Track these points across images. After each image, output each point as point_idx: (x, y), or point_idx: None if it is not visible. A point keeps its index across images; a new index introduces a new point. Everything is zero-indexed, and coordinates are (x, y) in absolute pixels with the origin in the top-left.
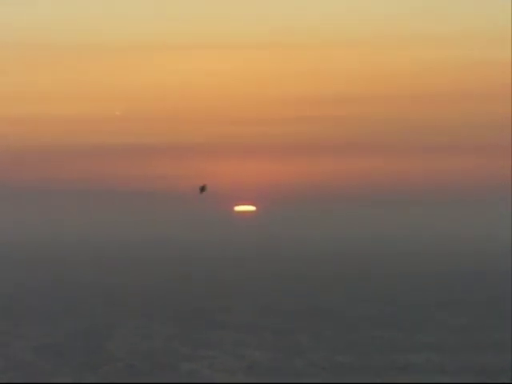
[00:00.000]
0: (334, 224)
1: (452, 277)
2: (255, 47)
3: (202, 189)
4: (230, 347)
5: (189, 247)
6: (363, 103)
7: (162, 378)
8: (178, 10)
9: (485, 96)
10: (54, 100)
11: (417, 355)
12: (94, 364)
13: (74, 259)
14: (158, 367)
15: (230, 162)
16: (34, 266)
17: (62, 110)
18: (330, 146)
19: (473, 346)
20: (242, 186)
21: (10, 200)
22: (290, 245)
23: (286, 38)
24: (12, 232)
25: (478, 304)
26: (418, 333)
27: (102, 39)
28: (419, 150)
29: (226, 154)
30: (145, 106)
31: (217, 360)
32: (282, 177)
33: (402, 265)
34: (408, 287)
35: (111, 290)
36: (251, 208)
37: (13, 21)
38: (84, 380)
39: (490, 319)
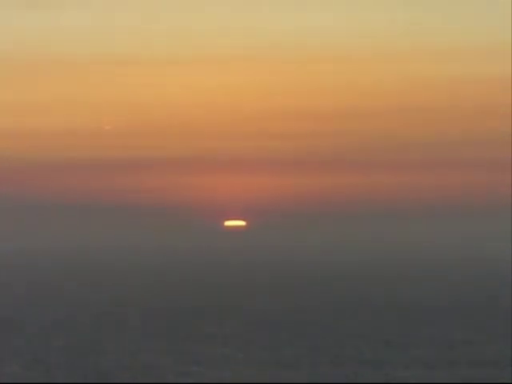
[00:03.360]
0: (326, 239)
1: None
2: (247, 60)
3: None
4: (217, 362)
5: (177, 262)
6: (356, 118)
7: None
8: (168, 23)
9: (481, 111)
10: (42, 114)
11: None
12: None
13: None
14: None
15: (220, 176)
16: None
17: (51, 124)
18: (321, 161)
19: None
20: (232, 201)
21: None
22: (279, 259)
23: (275, 51)
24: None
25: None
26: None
27: (91, 52)
28: (415, 165)
29: (216, 169)
30: (134, 121)
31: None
32: (272, 192)
33: (392, 274)
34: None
35: (97, 301)
36: (241, 223)
37: (5, 34)
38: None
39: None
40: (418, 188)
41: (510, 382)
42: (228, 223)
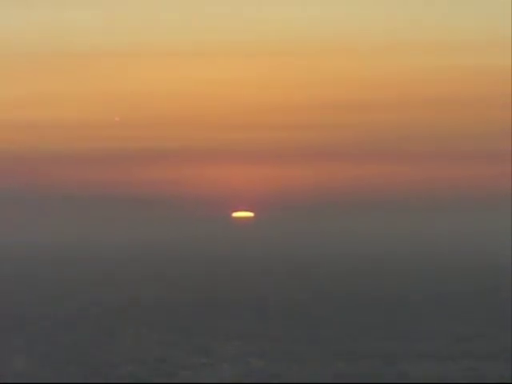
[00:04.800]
0: (335, 230)
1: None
2: (257, 54)
3: None
4: (230, 356)
5: (186, 253)
6: (363, 110)
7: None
8: (176, 17)
9: (487, 102)
10: (51, 106)
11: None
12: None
13: (74, 260)
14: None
15: (228, 168)
16: (36, 267)
17: (61, 116)
18: (329, 153)
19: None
20: (240, 193)
21: (10, 205)
22: (288, 251)
23: (278, 44)
24: (13, 235)
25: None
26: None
27: (101, 45)
28: (424, 157)
29: (224, 160)
30: (145, 112)
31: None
32: (280, 183)
33: (404, 266)
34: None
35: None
36: (249, 214)
37: (8, 29)
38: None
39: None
40: (428, 180)
41: (510, 382)
42: (236, 214)
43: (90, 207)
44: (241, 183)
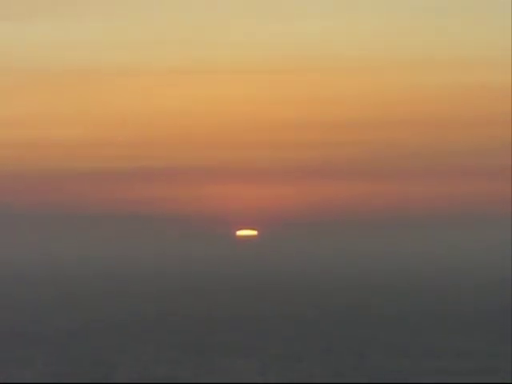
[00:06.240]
0: (338, 248)
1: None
2: (262, 72)
3: None
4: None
5: (189, 271)
6: (368, 128)
7: None
8: (180, 34)
9: (486, 121)
10: (54, 124)
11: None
12: None
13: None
14: None
15: (231, 186)
16: (37, 287)
17: (63, 134)
18: (333, 171)
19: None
20: (243, 211)
21: (11, 224)
22: (291, 269)
23: (285, 62)
24: (12, 255)
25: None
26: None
27: (105, 63)
28: (428, 174)
29: (228, 178)
30: (147, 131)
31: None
32: (284, 201)
33: (401, 285)
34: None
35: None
36: (253, 232)
37: (9, 46)
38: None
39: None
40: (433, 197)
41: (510, 382)
42: (240, 233)
43: (91, 225)
44: (244, 201)
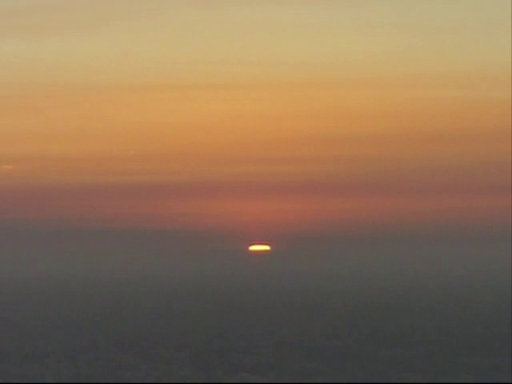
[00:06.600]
0: (350, 263)
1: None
2: (263, 87)
3: None
4: None
5: (204, 288)
6: (375, 143)
7: None
8: (189, 52)
9: (487, 135)
10: (65, 139)
11: None
12: None
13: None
14: None
15: (244, 201)
16: (51, 302)
17: (76, 149)
18: (344, 186)
19: None
20: (256, 226)
21: (21, 239)
22: (305, 284)
23: (290, 76)
24: (20, 269)
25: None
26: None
27: (116, 78)
28: (430, 190)
29: (240, 194)
30: (158, 146)
31: None
32: (296, 216)
33: (407, 299)
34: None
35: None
36: (265, 247)
37: (17, 59)
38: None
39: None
40: (440, 212)
41: (510, 382)
42: (252, 248)
43: (105, 241)
44: (257, 216)
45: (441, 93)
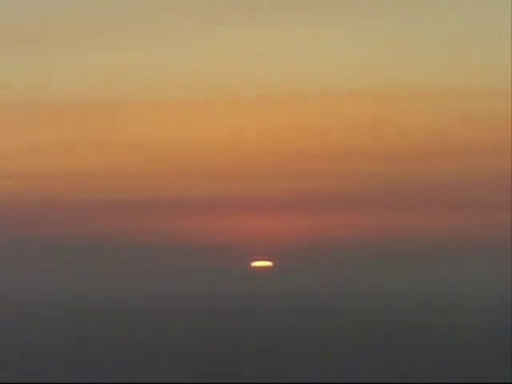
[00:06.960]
0: (353, 279)
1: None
2: (262, 102)
3: None
4: None
5: (206, 305)
6: (374, 158)
7: None
8: (185, 67)
9: (489, 150)
10: (63, 156)
11: None
12: None
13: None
14: None
15: (246, 217)
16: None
17: (73, 165)
18: (349, 201)
19: None
20: (258, 242)
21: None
22: (308, 301)
23: (289, 94)
24: (16, 287)
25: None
26: None
27: (116, 95)
28: (431, 206)
29: (242, 210)
30: (164, 162)
31: None
32: (298, 232)
33: (413, 318)
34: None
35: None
36: (268, 263)
37: (15, 78)
38: None
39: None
40: (446, 229)
41: (510, 382)
42: (255, 264)
43: (107, 258)
44: (259, 232)
45: (440, 107)
